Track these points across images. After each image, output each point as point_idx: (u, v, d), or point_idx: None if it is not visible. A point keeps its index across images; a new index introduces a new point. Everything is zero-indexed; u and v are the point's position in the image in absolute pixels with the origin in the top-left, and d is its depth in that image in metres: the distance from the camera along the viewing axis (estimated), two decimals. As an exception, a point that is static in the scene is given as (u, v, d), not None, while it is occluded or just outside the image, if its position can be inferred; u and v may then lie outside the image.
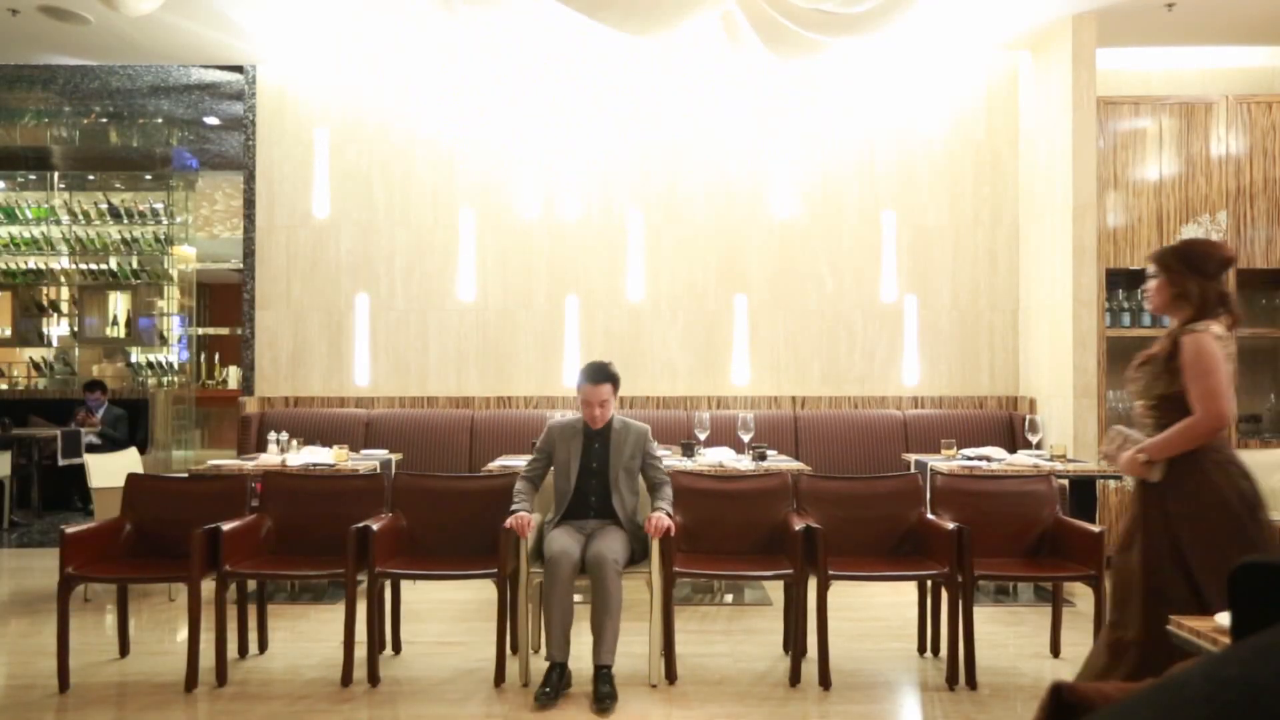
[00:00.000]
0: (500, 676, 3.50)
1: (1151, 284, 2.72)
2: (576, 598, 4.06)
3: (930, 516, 3.78)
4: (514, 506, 3.59)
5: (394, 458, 5.25)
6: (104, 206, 8.36)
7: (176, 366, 8.74)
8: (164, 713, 3.27)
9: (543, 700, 3.24)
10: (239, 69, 6.28)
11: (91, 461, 5.05)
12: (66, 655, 3.47)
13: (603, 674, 3.32)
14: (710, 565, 3.69)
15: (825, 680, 3.47)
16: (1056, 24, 5.54)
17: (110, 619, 4.47)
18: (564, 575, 3.40)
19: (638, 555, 3.63)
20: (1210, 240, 2.80)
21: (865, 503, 3.87)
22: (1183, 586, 2.49)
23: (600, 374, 3.66)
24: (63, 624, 3.45)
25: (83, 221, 8.40)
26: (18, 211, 8.38)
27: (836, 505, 3.84)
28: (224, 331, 11.74)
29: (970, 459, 4.77)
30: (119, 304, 8.85)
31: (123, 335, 8.79)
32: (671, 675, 3.51)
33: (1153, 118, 5.61)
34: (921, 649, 3.92)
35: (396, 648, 3.91)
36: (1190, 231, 5.55)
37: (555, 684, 3.29)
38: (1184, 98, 5.64)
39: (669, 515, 3.55)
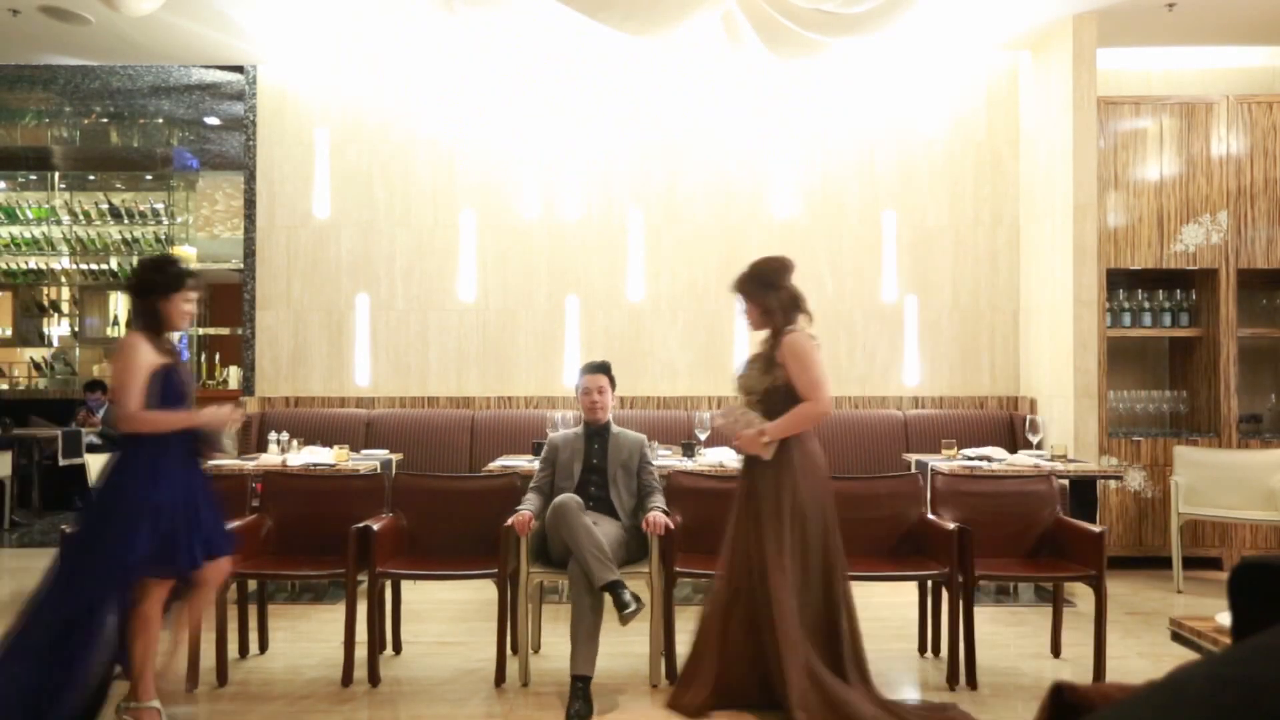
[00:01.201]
0: (500, 676, 3.50)
1: (744, 310, 3.25)
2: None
3: (931, 516, 3.78)
4: (519, 508, 3.61)
5: (394, 458, 5.25)
6: (105, 207, 8.36)
7: (177, 366, 8.73)
8: (164, 712, 3.27)
9: (625, 613, 3.21)
10: (239, 69, 6.28)
11: (92, 461, 5.05)
12: (67, 655, 3.47)
13: (578, 687, 3.25)
14: (711, 565, 3.68)
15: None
16: (1057, 24, 5.54)
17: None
18: (573, 506, 3.42)
19: (635, 554, 3.64)
20: (769, 256, 3.39)
21: (866, 503, 3.87)
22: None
23: (598, 366, 3.89)
24: (63, 624, 3.44)
25: (83, 222, 8.40)
26: (18, 212, 8.38)
27: (837, 505, 3.82)
28: (224, 331, 11.70)
29: (971, 459, 4.77)
30: (120, 304, 8.85)
31: (123, 335, 8.78)
32: (672, 675, 3.51)
33: (1153, 118, 5.61)
34: (922, 649, 3.92)
35: (397, 648, 3.91)
36: (1191, 232, 5.55)
37: (628, 603, 3.23)
38: (1184, 98, 5.64)
39: (665, 513, 3.57)
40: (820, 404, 3.08)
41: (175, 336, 3.15)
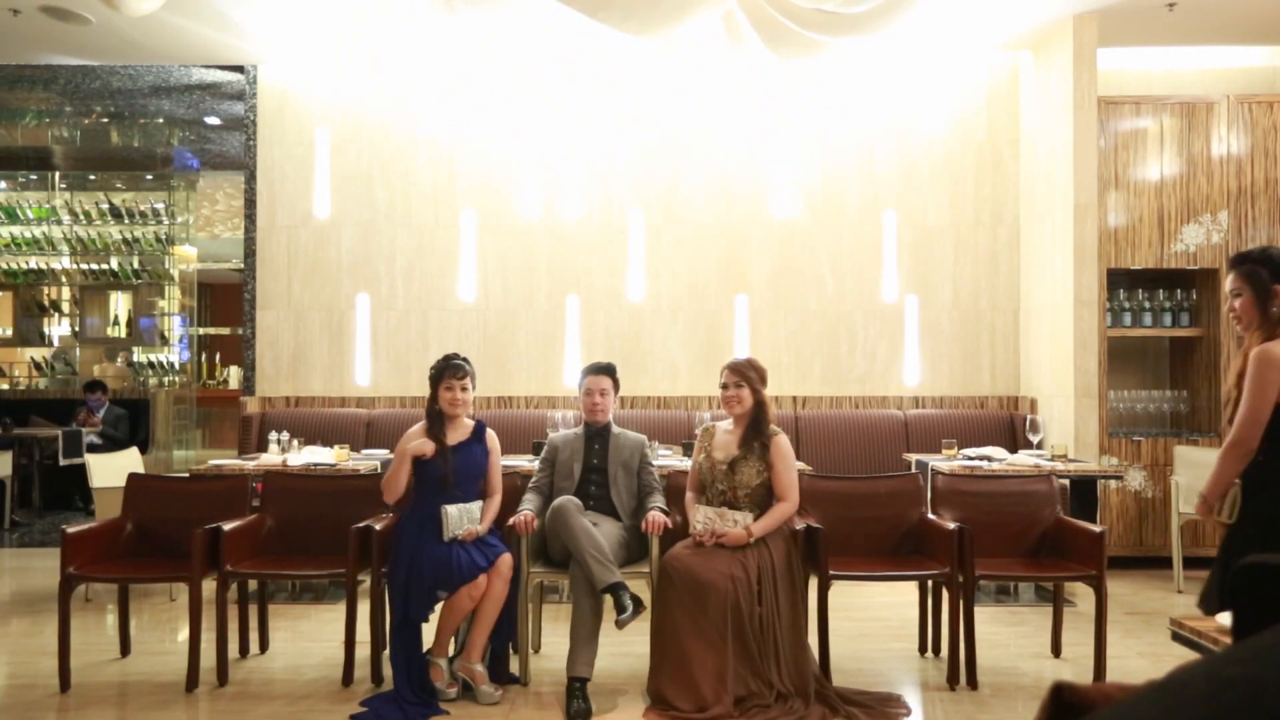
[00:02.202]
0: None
1: (733, 395, 3.51)
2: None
3: (931, 516, 3.78)
4: (520, 508, 3.61)
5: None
6: (105, 206, 8.36)
7: (177, 366, 8.75)
8: (165, 712, 3.28)
9: (622, 617, 3.23)
10: (239, 69, 6.28)
11: (92, 461, 5.05)
12: (67, 655, 3.47)
13: (575, 687, 3.26)
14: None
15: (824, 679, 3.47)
16: (1057, 24, 5.54)
17: (111, 619, 4.47)
18: (571, 508, 3.42)
19: (636, 554, 3.64)
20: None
21: (866, 503, 3.87)
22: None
23: (602, 368, 3.86)
24: (64, 624, 3.45)
25: (84, 221, 8.40)
26: (19, 211, 8.38)
27: (837, 505, 3.84)
28: (225, 331, 11.74)
29: (971, 459, 4.78)
30: (120, 304, 8.85)
31: (124, 335, 8.79)
32: (672, 675, 3.51)
33: (1154, 118, 5.61)
34: (922, 649, 3.92)
35: (397, 648, 3.90)
36: (1191, 231, 5.55)
37: (626, 606, 3.24)
38: (1185, 98, 5.64)
39: (664, 513, 3.57)
40: (796, 504, 3.49)
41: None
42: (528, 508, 3.61)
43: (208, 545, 3.47)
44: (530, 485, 3.79)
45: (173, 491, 3.97)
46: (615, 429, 3.82)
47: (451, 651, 3.50)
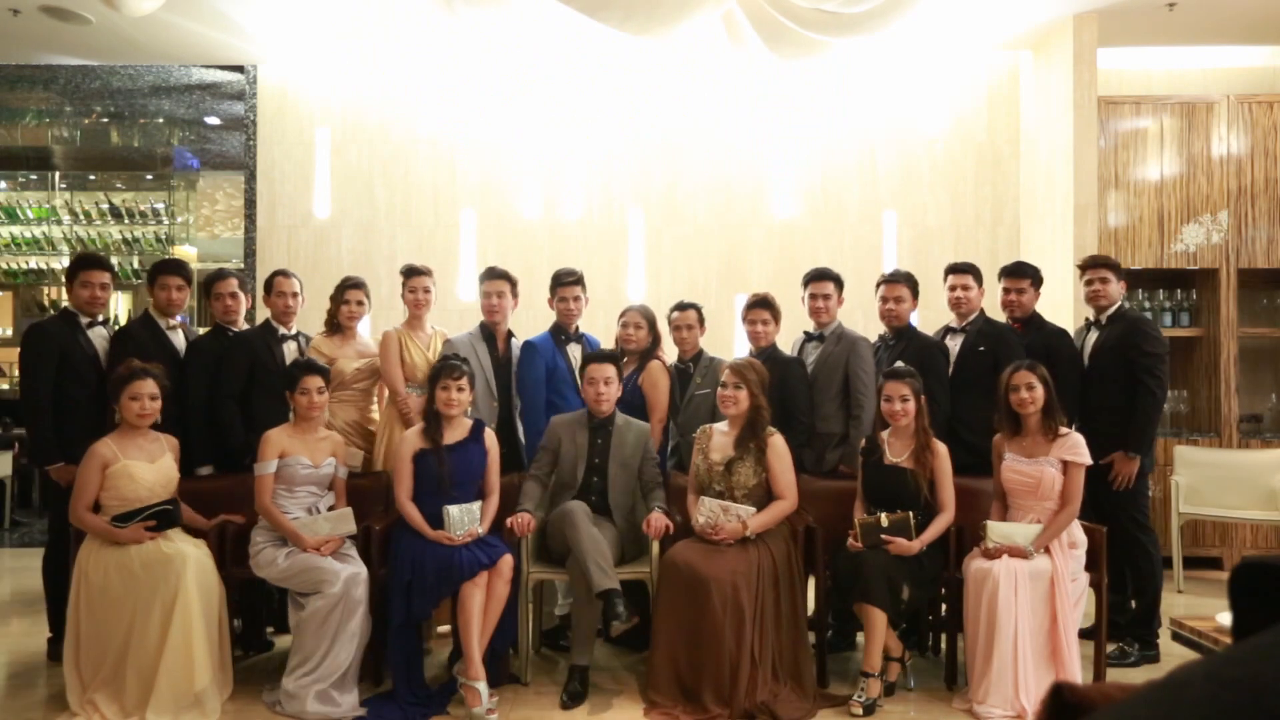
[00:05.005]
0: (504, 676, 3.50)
1: (730, 395, 3.50)
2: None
3: (931, 516, 3.77)
4: (519, 507, 3.60)
5: (395, 458, 5.24)
6: (105, 206, 8.35)
7: (177, 366, 8.72)
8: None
9: (616, 622, 3.22)
10: (240, 69, 6.28)
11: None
12: (67, 655, 3.46)
13: (574, 672, 3.35)
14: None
15: (824, 680, 3.47)
16: (1057, 24, 5.54)
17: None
18: (581, 513, 3.42)
19: (632, 554, 3.63)
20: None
21: (866, 503, 3.86)
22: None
23: (607, 355, 3.79)
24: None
25: (84, 221, 8.39)
26: (19, 211, 8.37)
27: (837, 505, 3.83)
28: (225, 331, 11.72)
29: (971, 459, 4.75)
30: (120, 304, 8.85)
31: (124, 335, 8.77)
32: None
33: (1154, 117, 5.60)
34: (922, 649, 3.92)
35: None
36: (1191, 231, 5.55)
37: (620, 614, 3.22)
38: (1185, 97, 5.64)
39: (665, 513, 3.56)
40: (795, 502, 3.53)
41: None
42: (528, 503, 3.59)
43: (209, 544, 3.47)
44: (530, 473, 3.73)
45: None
46: (620, 418, 3.73)
47: (449, 652, 3.50)
